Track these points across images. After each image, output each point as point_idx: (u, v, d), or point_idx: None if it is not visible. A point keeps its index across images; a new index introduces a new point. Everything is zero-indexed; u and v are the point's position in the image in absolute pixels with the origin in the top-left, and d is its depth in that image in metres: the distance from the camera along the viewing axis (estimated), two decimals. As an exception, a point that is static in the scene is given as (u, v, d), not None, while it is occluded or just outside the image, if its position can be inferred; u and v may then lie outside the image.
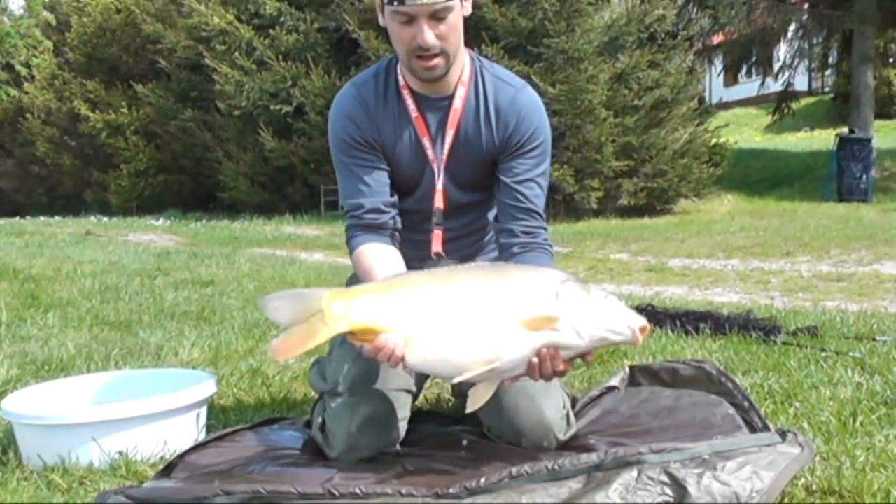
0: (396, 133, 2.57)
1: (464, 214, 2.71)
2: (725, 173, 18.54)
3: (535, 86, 12.71)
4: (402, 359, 2.10)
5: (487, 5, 15.05)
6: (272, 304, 2.16)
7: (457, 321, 2.07)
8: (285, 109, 16.77)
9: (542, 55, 15.45)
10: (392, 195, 2.60)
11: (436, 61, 2.45)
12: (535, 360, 2.10)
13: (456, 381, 2.14)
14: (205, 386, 2.88)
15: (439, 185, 2.60)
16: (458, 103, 2.57)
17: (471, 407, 2.16)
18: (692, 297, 6.54)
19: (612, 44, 16.42)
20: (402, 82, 2.58)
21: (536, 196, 2.56)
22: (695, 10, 20.51)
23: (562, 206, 15.34)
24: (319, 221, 16.01)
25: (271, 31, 17.46)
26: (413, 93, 2.58)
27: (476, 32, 14.48)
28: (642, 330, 2.10)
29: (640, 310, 4.54)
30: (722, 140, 18.81)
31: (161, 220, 16.44)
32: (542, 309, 2.07)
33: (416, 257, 2.62)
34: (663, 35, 17.15)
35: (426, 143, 2.57)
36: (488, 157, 2.59)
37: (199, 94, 18.82)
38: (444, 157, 2.57)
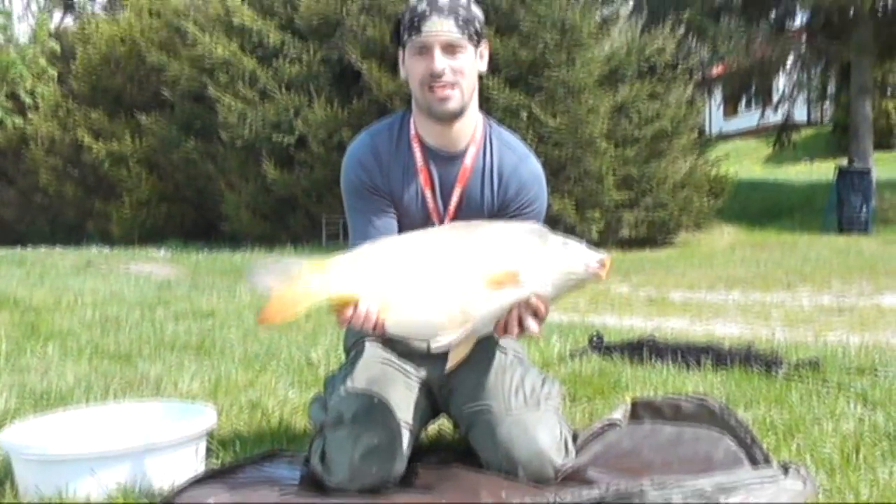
0: (404, 182, 2.63)
1: None
2: (726, 205, 18.51)
3: (535, 117, 15.57)
4: (383, 325, 2.19)
5: (489, 37, 14.84)
6: (256, 271, 2.23)
7: (427, 284, 2.18)
8: (288, 140, 16.84)
9: (543, 86, 15.54)
10: None
11: (448, 92, 2.50)
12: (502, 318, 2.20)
13: (434, 348, 2.22)
14: (204, 418, 2.86)
15: None
16: (468, 161, 2.64)
17: (450, 366, 2.29)
18: (693, 330, 6.54)
19: (613, 75, 16.46)
20: (412, 133, 2.64)
21: None
22: (694, 41, 20.52)
23: None
24: (321, 252, 15.34)
25: (274, 62, 17.54)
26: (423, 145, 2.64)
27: None
28: (600, 264, 2.21)
29: (641, 343, 4.68)
30: (722, 171, 18.82)
31: (162, 251, 16.27)
32: (502, 265, 2.18)
33: None
34: (663, 66, 17.18)
35: (428, 194, 2.63)
36: (486, 214, 2.66)
37: (202, 125, 18.78)
38: (451, 210, 2.64)
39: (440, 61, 2.47)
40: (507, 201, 2.65)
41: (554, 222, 12.98)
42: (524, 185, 2.65)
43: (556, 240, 2.23)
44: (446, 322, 2.18)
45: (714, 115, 33.52)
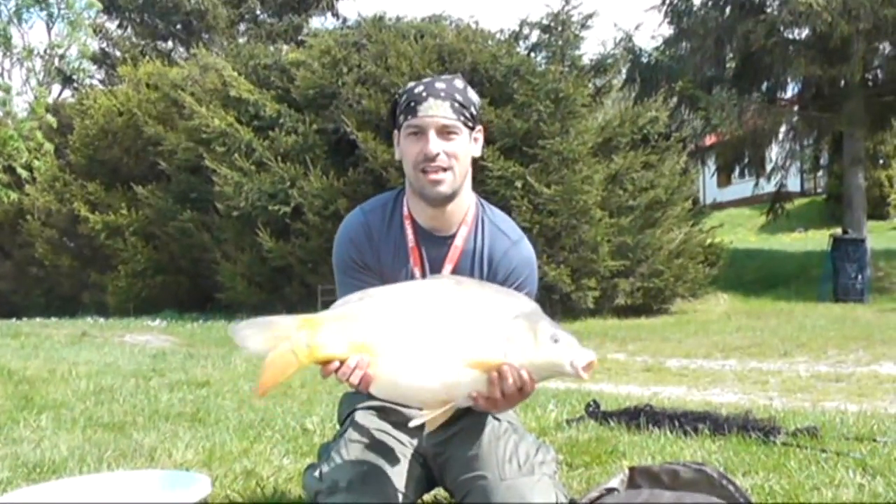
0: (394, 261, 2.65)
1: None
2: (721, 273, 18.48)
3: (530, 186, 15.00)
4: (369, 383, 2.18)
5: (483, 107, 14.40)
6: (242, 332, 2.19)
7: (412, 355, 2.16)
8: (283, 210, 16.71)
9: (538, 156, 15.52)
10: None
11: (441, 175, 2.52)
12: (475, 394, 2.20)
13: (412, 425, 2.29)
14: (198, 487, 2.83)
15: None
16: (458, 242, 2.65)
17: (430, 430, 2.30)
18: (690, 398, 6.54)
19: (607, 145, 16.52)
20: (405, 212, 2.66)
21: None
22: (687, 112, 20.58)
23: (559, 305, 15.18)
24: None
25: (270, 133, 17.42)
26: (415, 225, 2.66)
27: None
28: (587, 366, 2.16)
29: (638, 410, 4.67)
30: (717, 240, 18.79)
31: (158, 321, 16.24)
32: (487, 354, 2.16)
33: None
34: (656, 136, 17.23)
35: (417, 273, 2.64)
36: None
37: (199, 196, 18.63)
38: None
39: (435, 144, 2.50)
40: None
41: (549, 290, 14.28)
42: (514, 270, 2.65)
43: (546, 330, 2.19)
44: (429, 399, 2.19)
45: (708, 184, 33.87)
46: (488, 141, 14.76)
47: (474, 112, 2.59)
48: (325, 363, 2.18)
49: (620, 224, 15.84)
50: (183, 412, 5.54)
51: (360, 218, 2.69)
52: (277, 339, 2.17)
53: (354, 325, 2.19)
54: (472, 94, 2.60)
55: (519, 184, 15.16)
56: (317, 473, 2.58)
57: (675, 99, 18.56)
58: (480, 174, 14.14)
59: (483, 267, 2.65)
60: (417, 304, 2.23)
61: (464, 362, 2.15)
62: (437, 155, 2.51)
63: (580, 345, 2.19)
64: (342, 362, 2.17)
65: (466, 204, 2.66)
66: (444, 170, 2.53)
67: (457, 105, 2.53)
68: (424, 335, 2.17)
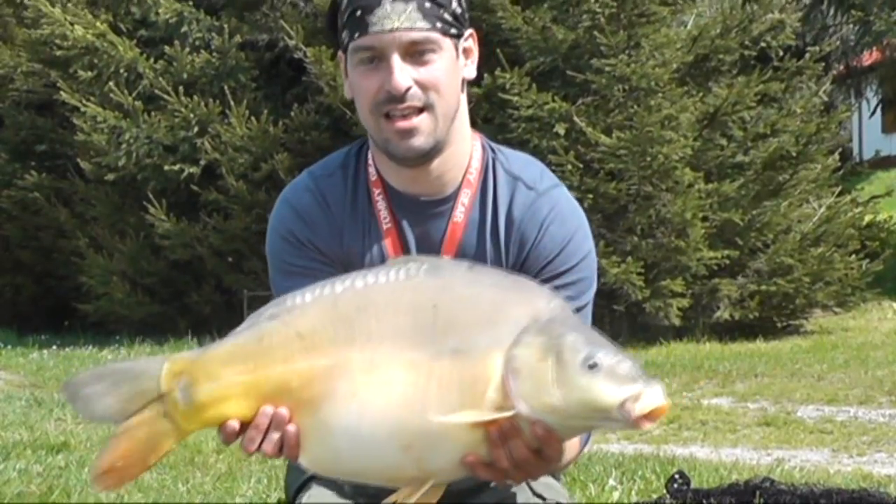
0: (366, 252, 2.23)
1: None
2: (888, 269, 15.61)
3: (579, 132, 13.31)
4: (296, 454, 1.80)
5: (504, 6, 12.75)
6: (85, 391, 1.78)
7: (361, 408, 1.73)
8: (188, 171, 14.12)
9: (591, 84, 13.19)
10: None
11: (415, 121, 2.05)
12: (471, 459, 1.80)
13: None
14: None
15: None
16: (459, 215, 2.21)
17: None
18: (838, 468, 6.15)
19: (700, 67, 14.11)
20: (372, 176, 2.23)
21: None
22: (832, 11, 17.76)
23: (624, 321, 13.26)
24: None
25: (167, 49, 14.52)
26: (388, 193, 2.22)
27: (489, 50, 12.21)
28: (649, 415, 1.65)
29: (751, 487, 4.42)
30: (881, 217, 16.49)
31: (-19, 346, 14.78)
32: (475, 400, 1.70)
33: None
34: (782, 53, 14.38)
35: None
36: None
37: (50, 149, 16.12)
38: None
39: (401, 74, 2.03)
40: (524, 261, 2.19)
41: (610, 298, 12.99)
42: (546, 230, 2.17)
43: (577, 350, 1.66)
44: (394, 474, 1.74)
45: (866, 129, 31.28)
46: (513, 61, 12.80)
47: (458, 8, 2.12)
48: (222, 426, 1.79)
49: (723, 192, 13.44)
50: (25, 492, 5.10)
51: (311, 185, 2.24)
52: (140, 397, 1.75)
53: (262, 360, 1.77)
54: None
55: (561, 129, 12.91)
56: None
57: (812, -9, 15.91)
58: (500, 114, 12.66)
59: (500, 238, 2.22)
60: (365, 316, 1.79)
61: (435, 419, 1.70)
62: (408, 90, 2.04)
63: (639, 372, 1.70)
64: (247, 422, 1.79)
65: (464, 152, 2.22)
66: (420, 111, 2.07)
67: (428, 4, 2.06)
68: (376, 370, 1.75)
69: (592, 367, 1.63)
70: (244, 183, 14.04)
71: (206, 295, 15.06)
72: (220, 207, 14.52)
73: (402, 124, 2.02)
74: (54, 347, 13.77)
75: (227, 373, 1.73)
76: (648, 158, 12.87)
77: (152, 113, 14.53)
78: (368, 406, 1.70)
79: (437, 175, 2.15)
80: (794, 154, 14.09)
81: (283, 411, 1.73)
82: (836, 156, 15.46)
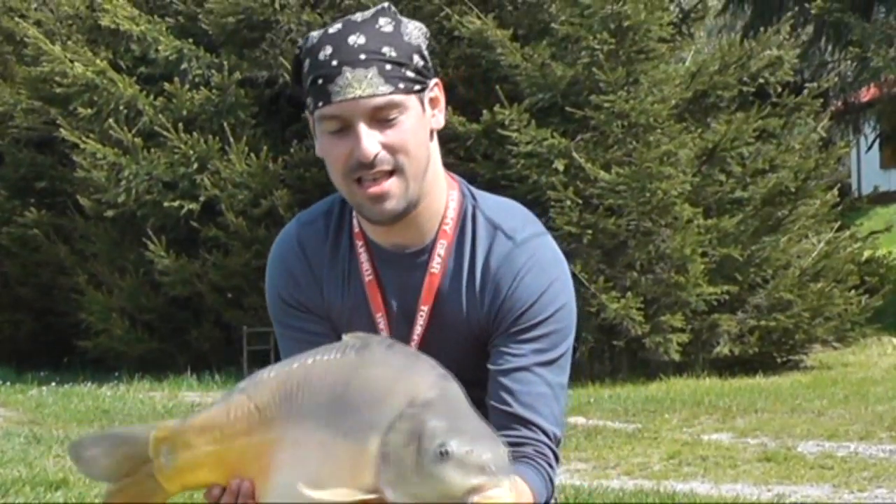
0: (345, 301, 2.24)
1: None
2: (888, 305, 15.80)
3: (578, 169, 13.44)
4: None
5: (503, 43, 13.16)
6: (86, 454, 1.98)
7: (291, 490, 1.81)
8: (188, 207, 14.40)
9: (590, 120, 13.50)
10: None
11: (385, 186, 2.06)
12: None
13: None
14: None
15: None
16: (436, 266, 2.20)
17: None
18: None
19: (699, 103, 14.49)
20: (356, 227, 2.25)
21: (532, 395, 2.13)
22: (830, 48, 17.74)
23: (624, 356, 13.66)
24: (240, 382, 13.71)
25: (166, 86, 14.72)
26: (370, 245, 2.25)
27: (488, 87, 13.27)
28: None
29: None
30: (880, 253, 16.73)
31: (-20, 383, 14.78)
32: (361, 485, 1.78)
33: None
34: (780, 89, 14.60)
35: (380, 320, 2.23)
36: (473, 337, 2.23)
37: (50, 185, 16.43)
38: (417, 340, 2.22)
39: (368, 141, 2.01)
40: (498, 310, 2.16)
41: (610, 333, 13.60)
42: (521, 280, 2.16)
43: (433, 437, 1.69)
44: None
45: (865, 164, 31.39)
46: (512, 98, 13.28)
47: (420, 62, 2.09)
48: (207, 491, 1.93)
49: (722, 227, 13.77)
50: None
51: (294, 234, 2.28)
52: (131, 461, 1.91)
53: (227, 431, 1.87)
54: (409, 30, 2.11)
55: (560, 164, 13.27)
56: None
57: (809, 28, 16.25)
58: (499, 150, 12.96)
59: (475, 286, 2.22)
60: (301, 394, 1.86)
61: (315, 494, 1.77)
62: (376, 155, 2.04)
63: (493, 464, 1.70)
64: (225, 488, 1.92)
65: (439, 202, 2.20)
66: (390, 173, 2.07)
67: (389, 67, 2.03)
68: (298, 447, 1.83)
69: (444, 455, 1.65)
70: (244, 219, 14.29)
71: (205, 331, 15.32)
72: (219, 244, 14.76)
73: (374, 190, 2.02)
74: (53, 384, 13.86)
75: (200, 442, 1.85)
76: (647, 194, 13.07)
77: (152, 149, 14.75)
78: (291, 480, 1.79)
79: (413, 228, 2.15)
80: (792, 189, 14.28)
81: (247, 484, 1.84)
82: (835, 191, 15.59)
